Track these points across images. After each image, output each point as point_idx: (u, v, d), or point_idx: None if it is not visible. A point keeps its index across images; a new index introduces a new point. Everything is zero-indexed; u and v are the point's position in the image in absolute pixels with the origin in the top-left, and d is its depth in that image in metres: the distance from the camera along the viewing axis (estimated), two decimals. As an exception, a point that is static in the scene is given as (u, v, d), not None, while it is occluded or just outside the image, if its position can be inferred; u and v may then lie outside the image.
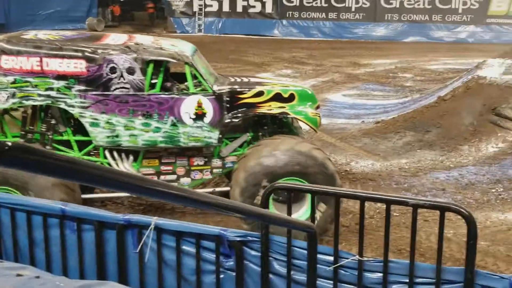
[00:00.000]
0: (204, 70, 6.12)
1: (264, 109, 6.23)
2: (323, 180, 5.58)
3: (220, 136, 6.05)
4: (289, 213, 3.71)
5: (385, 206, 3.28)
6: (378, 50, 22.61)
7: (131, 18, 33.18)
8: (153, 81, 5.87)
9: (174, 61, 5.94)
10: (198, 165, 6.22)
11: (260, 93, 6.20)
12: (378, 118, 11.22)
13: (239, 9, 27.91)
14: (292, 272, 3.52)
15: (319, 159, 5.72)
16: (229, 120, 6.05)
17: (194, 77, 6.08)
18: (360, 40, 26.15)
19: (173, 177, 6.15)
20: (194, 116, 5.90)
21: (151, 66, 5.78)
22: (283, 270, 3.55)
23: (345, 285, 3.45)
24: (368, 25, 26.84)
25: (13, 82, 5.53)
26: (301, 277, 3.51)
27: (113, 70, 5.65)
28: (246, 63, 18.71)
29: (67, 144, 5.97)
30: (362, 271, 3.39)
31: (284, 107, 6.30)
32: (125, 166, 5.96)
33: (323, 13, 27.39)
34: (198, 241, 3.65)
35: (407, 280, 3.29)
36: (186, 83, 6.15)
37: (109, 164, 5.89)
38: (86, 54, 5.61)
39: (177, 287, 3.77)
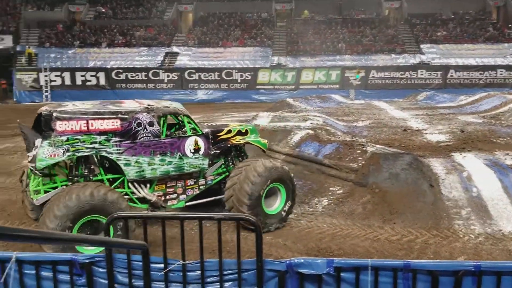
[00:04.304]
0: None
1: (234, 141, 8.90)
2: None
3: (210, 162, 8.51)
4: (126, 237, 4.75)
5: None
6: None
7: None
8: (164, 129, 7.95)
9: (178, 114, 8.20)
10: (190, 185, 8.44)
11: (229, 131, 8.82)
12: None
13: (79, 82, 35.65)
14: (133, 280, 4.51)
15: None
16: (213, 151, 8.52)
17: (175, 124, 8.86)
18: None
19: (175, 195, 8.29)
20: (193, 151, 8.18)
21: (163, 119, 7.92)
22: (126, 280, 4.53)
23: (175, 284, 4.52)
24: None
25: (66, 140, 7.10)
26: (141, 283, 4.51)
27: (139, 124, 7.60)
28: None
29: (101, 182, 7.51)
30: (185, 272, 4.45)
31: (245, 139, 9.04)
32: (145, 191, 7.85)
33: (144, 84, 35.74)
34: (54, 267, 4.48)
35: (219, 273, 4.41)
36: (184, 129, 8.57)
37: (132, 192, 7.79)
38: (120, 115, 7.45)
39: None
